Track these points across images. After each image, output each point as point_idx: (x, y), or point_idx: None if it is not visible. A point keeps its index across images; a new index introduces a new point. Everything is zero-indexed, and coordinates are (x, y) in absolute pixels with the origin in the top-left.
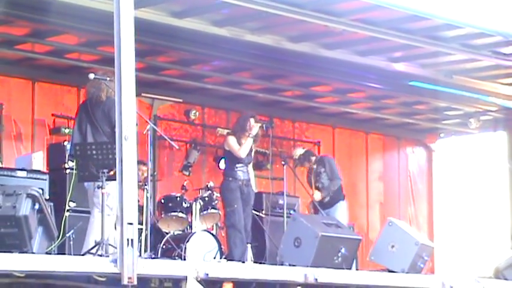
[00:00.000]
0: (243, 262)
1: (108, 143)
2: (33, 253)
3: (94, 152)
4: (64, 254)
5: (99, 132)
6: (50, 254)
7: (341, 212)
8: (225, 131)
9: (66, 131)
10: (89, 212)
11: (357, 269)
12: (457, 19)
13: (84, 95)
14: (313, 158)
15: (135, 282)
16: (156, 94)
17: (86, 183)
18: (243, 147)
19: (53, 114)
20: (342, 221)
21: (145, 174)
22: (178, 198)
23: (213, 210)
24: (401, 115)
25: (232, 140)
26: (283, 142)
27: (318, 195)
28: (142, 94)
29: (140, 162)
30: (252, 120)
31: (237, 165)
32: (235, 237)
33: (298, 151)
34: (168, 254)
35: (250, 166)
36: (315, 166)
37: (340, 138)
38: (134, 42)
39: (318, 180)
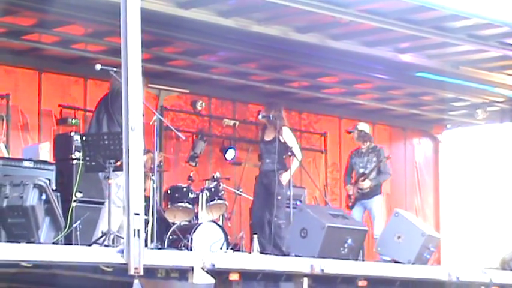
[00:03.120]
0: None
1: (115, 133)
2: (40, 243)
3: (101, 142)
4: (71, 244)
5: (114, 123)
6: (57, 244)
7: (377, 205)
8: (232, 122)
9: (73, 121)
10: (96, 203)
11: (362, 260)
12: (464, 10)
13: (108, 88)
14: (369, 143)
15: (142, 273)
16: (162, 85)
17: (100, 174)
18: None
19: (59, 105)
20: (377, 214)
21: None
22: (184, 189)
23: (219, 201)
24: (407, 106)
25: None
26: None
27: (367, 183)
28: (149, 85)
29: (150, 151)
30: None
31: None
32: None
33: (366, 127)
34: (174, 244)
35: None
36: (364, 150)
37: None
38: (141, 32)
39: (367, 167)
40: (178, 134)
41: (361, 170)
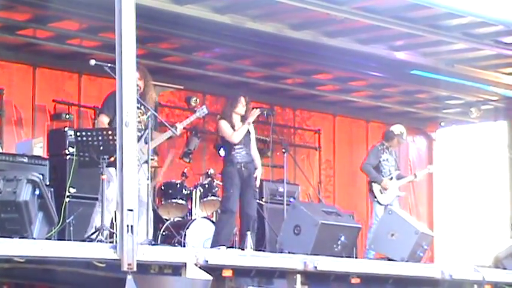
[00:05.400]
0: (242, 249)
1: (109, 129)
2: (33, 238)
3: (95, 138)
4: (64, 239)
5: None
6: (50, 239)
7: (397, 203)
8: None
9: (67, 116)
10: (89, 198)
11: (355, 257)
12: (459, 8)
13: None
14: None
15: (135, 269)
16: (157, 81)
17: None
18: (236, 133)
19: (53, 100)
20: (401, 211)
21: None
22: (178, 185)
23: (213, 197)
24: (402, 104)
25: (224, 124)
26: (284, 130)
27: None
28: None
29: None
30: (242, 99)
31: (235, 148)
32: (222, 221)
33: (401, 128)
34: (168, 240)
35: (254, 148)
36: (391, 149)
37: (341, 127)
38: (135, 28)
39: (396, 166)
40: (172, 130)
41: (393, 169)
